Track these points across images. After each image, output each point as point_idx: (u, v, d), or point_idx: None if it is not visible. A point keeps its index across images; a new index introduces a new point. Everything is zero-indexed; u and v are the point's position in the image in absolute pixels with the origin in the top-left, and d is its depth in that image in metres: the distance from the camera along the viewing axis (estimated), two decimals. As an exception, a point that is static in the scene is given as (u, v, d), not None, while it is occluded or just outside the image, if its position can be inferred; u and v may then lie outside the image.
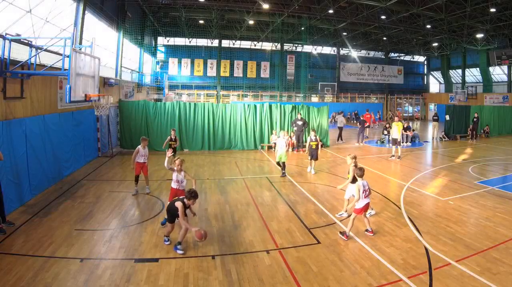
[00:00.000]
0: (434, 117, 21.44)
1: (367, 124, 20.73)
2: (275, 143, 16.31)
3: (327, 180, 11.17)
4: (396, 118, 16.11)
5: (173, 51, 33.79)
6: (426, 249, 6.02)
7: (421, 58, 43.14)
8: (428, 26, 27.36)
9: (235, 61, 34.60)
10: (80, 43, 13.15)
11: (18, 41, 8.56)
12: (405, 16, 25.52)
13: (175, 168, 7.10)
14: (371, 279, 5.07)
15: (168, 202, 6.46)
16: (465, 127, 21.45)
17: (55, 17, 12.22)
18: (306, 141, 17.11)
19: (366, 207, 6.52)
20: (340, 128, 20.01)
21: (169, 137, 11.64)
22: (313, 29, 30.83)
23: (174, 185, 7.17)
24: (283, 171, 11.40)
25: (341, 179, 11.17)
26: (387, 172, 12.22)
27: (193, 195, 6.00)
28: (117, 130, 16.06)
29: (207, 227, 7.03)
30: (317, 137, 11.89)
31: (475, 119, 20.60)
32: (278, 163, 11.48)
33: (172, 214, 6.11)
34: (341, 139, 19.68)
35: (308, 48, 37.30)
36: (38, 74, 8.95)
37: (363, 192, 6.37)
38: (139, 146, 9.12)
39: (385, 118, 36.05)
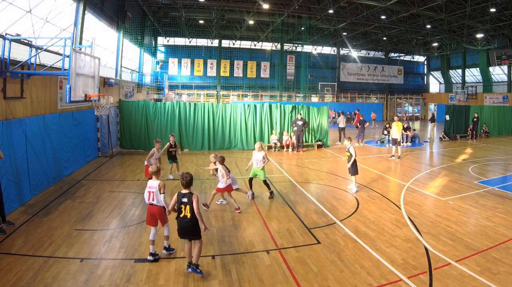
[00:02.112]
0: (433, 118, 21.48)
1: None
2: (275, 143, 16.46)
3: (327, 180, 11.16)
4: (396, 118, 16.12)
5: (173, 51, 33.76)
6: (426, 249, 6.01)
7: (421, 58, 43.13)
8: (428, 26, 27.35)
9: (235, 61, 34.59)
10: (80, 43, 13.16)
11: (18, 41, 8.56)
12: (405, 16, 25.52)
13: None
14: (371, 279, 5.07)
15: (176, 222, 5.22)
16: (465, 127, 21.46)
17: (55, 17, 12.24)
18: (306, 142, 17.29)
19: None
20: (341, 129, 19.83)
21: (168, 143, 10.72)
22: (313, 29, 30.81)
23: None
24: (270, 190, 9.10)
25: (342, 179, 11.18)
26: (387, 172, 12.22)
27: (187, 179, 5.16)
28: (117, 130, 16.07)
29: (207, 227, 7.01)
30: (350, 148, 9.38)
31: (475, 119, 20.60)
32: (250, 180, 9.17)
33: (194, 227, 5.05)
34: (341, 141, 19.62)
35: (308, 48, 37.27)
36: (38, 74, 8.95)
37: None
38: (154, 148, 9.42)
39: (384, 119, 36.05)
